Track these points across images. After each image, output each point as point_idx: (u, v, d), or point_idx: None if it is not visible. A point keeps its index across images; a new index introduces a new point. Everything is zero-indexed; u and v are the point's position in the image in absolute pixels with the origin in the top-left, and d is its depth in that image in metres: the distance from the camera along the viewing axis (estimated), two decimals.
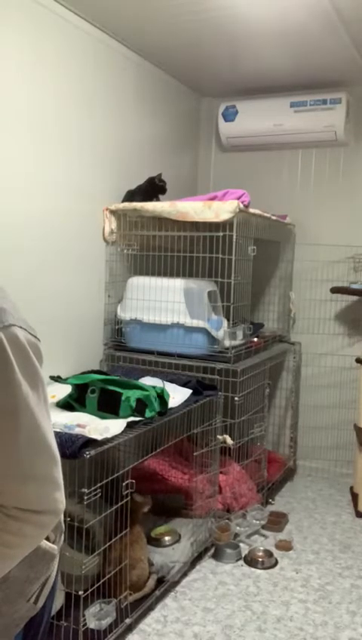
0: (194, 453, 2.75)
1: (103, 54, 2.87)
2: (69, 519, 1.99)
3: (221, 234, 2.77)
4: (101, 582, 2.12)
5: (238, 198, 2.77)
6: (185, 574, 2.58)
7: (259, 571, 2.65)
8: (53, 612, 2.06)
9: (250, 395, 2.99)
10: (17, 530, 1.00)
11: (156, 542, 2.67)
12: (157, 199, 3.07)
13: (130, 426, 2.14)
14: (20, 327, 1.00)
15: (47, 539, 1.11)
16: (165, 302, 2.86)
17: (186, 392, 2.58)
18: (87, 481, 1.89)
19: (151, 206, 2.89)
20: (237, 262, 2.78)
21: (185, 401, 2.52)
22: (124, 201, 3.03)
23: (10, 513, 1.00)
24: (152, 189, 3.08)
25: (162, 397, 2.30)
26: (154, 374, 2.75)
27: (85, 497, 1.88)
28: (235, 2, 2.49)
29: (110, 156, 2.99)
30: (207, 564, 2.70)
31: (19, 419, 0.98)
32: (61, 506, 1.06)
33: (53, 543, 1.13)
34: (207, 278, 3.01)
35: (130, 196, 3.05)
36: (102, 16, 2.68)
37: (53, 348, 2.68)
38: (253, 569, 2.67)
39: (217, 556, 2.74)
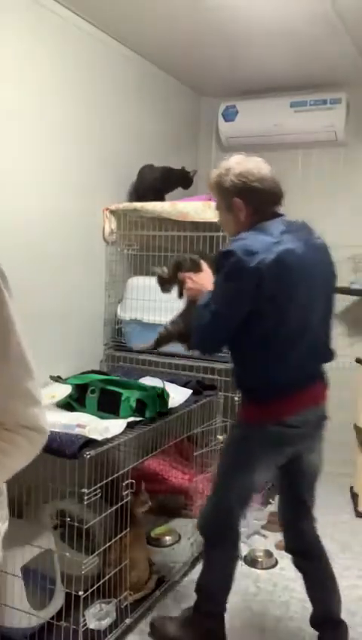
0: (195, 453, 2.75)
1: (103, 54, 2.87)
2: (68, 519, 1.99)
3: (221, 234, 2.76)
4: (101, 582, 2.12)
5: None
6: (185, 574, 2.58)
7: (259, 571, 2.65)
8: (53, 612, 2.06)
9: None
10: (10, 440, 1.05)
11: (156, 542, 2.67)
12: (162, 199, 3.07)
13: (130, 426, 2.13)
14: None
15: None
16: (165, 302, 2.85)
17: (186, 392, 2.58)
18: (87, 481, 1.89)
19: (151, 206, 2.89)
20: None
21: (185, 401, 2.51)
22: (138, 177, 3.09)
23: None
24: (179, 178, 3.10)
25: (162, 397, 2.30)
26: (154, 374, 2.75)
27: (85, 497, 1.88)
28: (235, 2, 2.49)
29: (110, 156, 2.99)
30: None
31: (10, 337, 1.04)
32: (41, 422, 1.08)
33: None
34: None
35: (146, 170, 3.08)
36: (102, 16, 2.68)
37: (53, 348, 2.68)
38: (253, 569, 2.67)
39: None
